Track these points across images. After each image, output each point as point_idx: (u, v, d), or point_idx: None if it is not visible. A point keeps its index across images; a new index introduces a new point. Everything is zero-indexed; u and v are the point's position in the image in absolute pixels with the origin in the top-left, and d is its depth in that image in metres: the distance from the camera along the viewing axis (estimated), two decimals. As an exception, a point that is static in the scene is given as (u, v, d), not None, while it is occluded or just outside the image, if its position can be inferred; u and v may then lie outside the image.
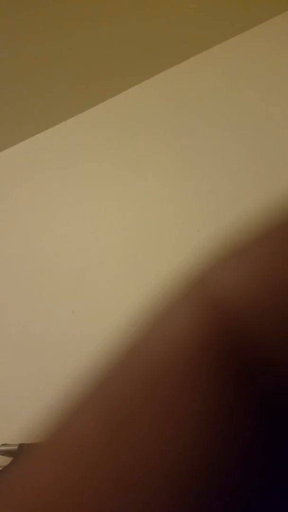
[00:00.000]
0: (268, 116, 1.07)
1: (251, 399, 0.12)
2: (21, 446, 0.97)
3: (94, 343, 1.08)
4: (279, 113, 1.06)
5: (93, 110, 1.33)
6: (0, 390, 1.22)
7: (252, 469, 0.12)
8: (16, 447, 1.01)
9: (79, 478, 0.11)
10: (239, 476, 0.12)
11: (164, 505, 0.11)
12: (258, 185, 1.04)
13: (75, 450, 0.12)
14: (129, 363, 0.13)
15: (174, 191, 1.15)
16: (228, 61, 1.14)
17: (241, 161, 1.08)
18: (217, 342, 0.13)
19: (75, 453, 0.12)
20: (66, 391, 0.14)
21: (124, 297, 1.12)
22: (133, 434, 0.12)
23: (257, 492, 0.12)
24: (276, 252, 0.13)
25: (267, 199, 0.98)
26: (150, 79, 1.25)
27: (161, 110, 1.21)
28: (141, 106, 1.25)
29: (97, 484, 0.11)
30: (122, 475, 0.11)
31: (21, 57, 1.16)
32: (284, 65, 1.07)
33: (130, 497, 0.11)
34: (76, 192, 1.30)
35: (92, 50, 1.16)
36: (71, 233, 1.27)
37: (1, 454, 1.04)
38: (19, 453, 0.98)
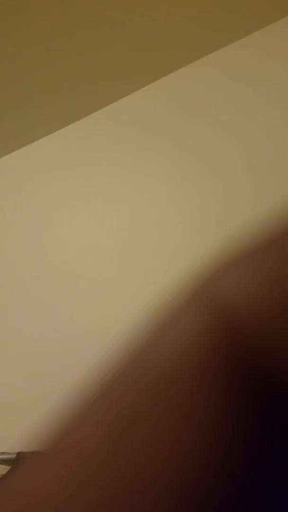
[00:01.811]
0: (269, 120, 1.07)
1: (255, 406, 0.12)
2: (19, 454, 0.97)
3: (94, 349, 1.08)
4: (280, 117, 1.06)
5: (94, 116, 1.34)
6: (-2, 398, 1.22)
7: (257, 477, 0.12)
8: (14, 456, 1.00)
9: (82, 485, 0.11)
10: (243, 484, 0.12)
11: None
12: (259, 190, 1.04)
13: (77, 456, 0.12)
14: (132, 369, 0.13)
15: (175, 195, 1.15)
16: (230, 66, 1.15)
17: (243, 165, 1.08)
18: (221, 349, 0.13)
19: (78, 460, 0.12)
20: (68, 397, 0.14)
21: (124, 302, 1.12)
22: (136, 441, 0.12)
23: (262, 499, 0.12)
24: (281, 258, 0.13)
25: (269, 204, 0.98)
26: (151, 84, 1.26)
27: (162, 115, 1.22)
28: (142, 111, 1.26)
29: (100, 491, 0.11)
30: (125, 483, 0.11)
31: (21, 63, 1.17)
32: (285, 69, 1.08)
33: (133, 504, 0.11)
34: (75, 197, 1.30)
35: (92, 56, 1.17)
36: (70, 238, 1.27)
37: (-1, 463, 1.03)
38: (17, 461, 0.97)
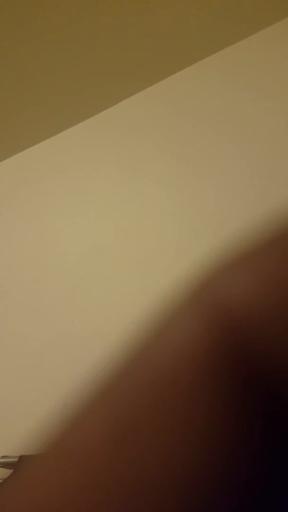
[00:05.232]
0: (267, 123, 1.08)
1: (257, 408, 0.12)
2: (21, 458, 0.96)
3: (94, 351, 1.08)
4: (278, 119, 1.06)
5: (93, 120, 1.34)
6: (0, 401, 1.21)
7: (259, 477, 0.12)
8: (16, 459, 1.00)
9: (84, 487, 0.11)
10: (245, 485, 0.12)
11: None
12: (258, 192, 1.04)
13: (79, 458, 0.12)
14: (133, 371, 0.13)
15: (174, 198, 1.16)
16: (228, 68, 1.16)
17: (241, 167, 1.08)
18: (222, 351, 0.13)
19: (80, 462, 0.12)
20: (69, 399, 0.14)
21: (123, 305, 1.12)
22: (137, 442, 0.12)
23: (264, 500, 0.12)
24: (281, 259, 0.13)
25: (269, 205, 0.98)
26: (150, 87, 1.26)
27: (161, 119, 1.23)
28: (140, 114, 1.26)
29: (102, 492, 0.11)
30: (126, 484, 0.11)
31: (20, 67, 1.18)
32: (284, 72, 1.08)
33: (134, 506, 0.11)
34: (74, 202, 1.30)
35: (91, 60, 1.18)
36: (69, 242, 1.27)
37: (1, 466, 1.03)
38: (19, 465, 0.96)
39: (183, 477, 0.11)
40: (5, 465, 1.02)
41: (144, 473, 0.11)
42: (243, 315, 0.13)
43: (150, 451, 0.11)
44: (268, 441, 0.12)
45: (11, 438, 1.09)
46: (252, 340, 0.12)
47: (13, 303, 1.30)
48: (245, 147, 1.09)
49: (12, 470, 1.02)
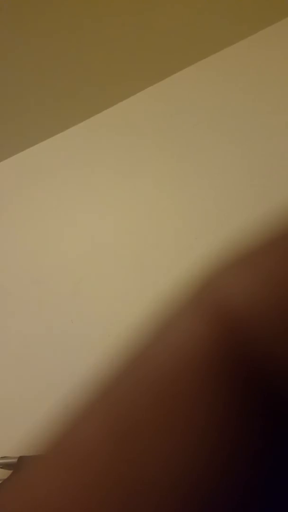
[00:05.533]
0: (268, 123, 1.08)
1: (257, 409, 0.12)
2: (20, 458, 0.96)
3: (93, 352, 1.08)
4: (279, 119, 1.06)
5: (93, 120, 1.34)
6: (0, 401, 1.21)
7: (259, 477, 0.12)
8: (15, 460, 1.00)
9: (84, 487, 0.11)
10: (245, 485, 0.12)
11: None
12: (258, 193, 1.04)
13: (79, 458, 0.12)
14: (133, 371, 0.13)
15: (173, 198, 1.16)
16: (228, 68, 1.16)
17: (241, 167, 1.08)
18: (222, 351, 0.13)
19: (80, 462, 0.12)
20: (69, 399, 0.14)
21: (123, 305, 1.12)
22: (137, 442, 0.12)
23: (264, 500, 0.12)
24: (281, 259, 0.13)
25: (269, 206, 0.98)
26: (150, 87, 1.26)
27: (160, 119, 1.23)
28: (140, 114, 1.26)
29: (102, 492, 0.11)
30: (127, 484, 0.11)
31: (20, 67, 1.18)
32: (284, 72, 1.08)
33: (134, 506, 0.11)
34: (74, 202, 1.30)
35: (91, 60, 1.18)
36: (69, 243, 1.27)
37: (1, 467, 1.03)
38: (19, 465, 0.96)
39: (183, 477, 0.11)
40: (5, 466, 1.02)
41: (144, 473, 0.11)
42: (244, 315, 0.13)
43: (150, 451, 0.11)
44: (268, 441, 0.12)
45: (11, 439, 1.09)
46: (252, 340, 0.12)
47: (13, 303, 1.30)
48: (245, 147, 1.09)
49: (11, 471, 1.01)
